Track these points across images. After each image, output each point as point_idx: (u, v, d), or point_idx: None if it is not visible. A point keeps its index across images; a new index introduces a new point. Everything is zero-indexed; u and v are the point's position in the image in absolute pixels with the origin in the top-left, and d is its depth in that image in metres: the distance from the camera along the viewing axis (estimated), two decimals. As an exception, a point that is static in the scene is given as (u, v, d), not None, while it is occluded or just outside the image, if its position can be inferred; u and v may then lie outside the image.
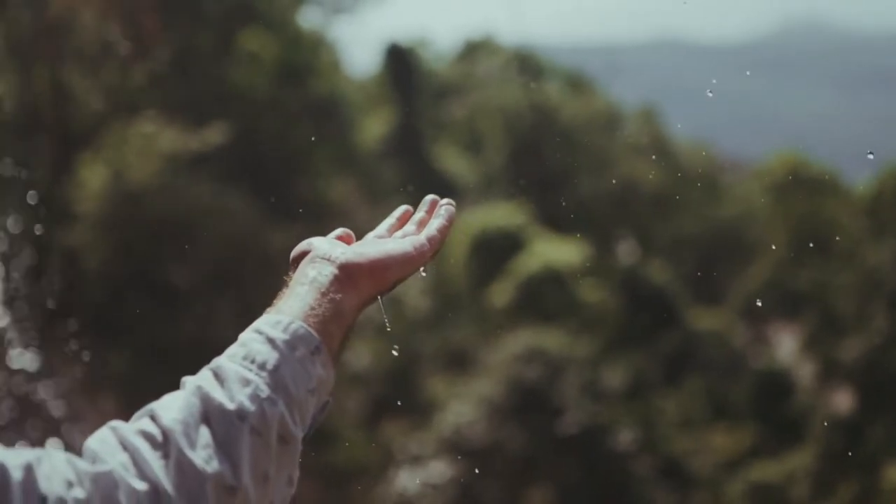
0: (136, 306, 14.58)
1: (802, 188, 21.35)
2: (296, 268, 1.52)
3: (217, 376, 1.32)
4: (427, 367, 16.95)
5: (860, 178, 21.62)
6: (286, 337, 1.37)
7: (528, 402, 15.55)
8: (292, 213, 16.15)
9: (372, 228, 1.70)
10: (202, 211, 15.27)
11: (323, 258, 1.49)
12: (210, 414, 1.28)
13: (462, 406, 15.69)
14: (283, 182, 16.87)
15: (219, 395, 1.30)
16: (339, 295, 1.44)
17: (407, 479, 14.97)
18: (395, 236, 1.63)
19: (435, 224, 1.63)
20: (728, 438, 17.46)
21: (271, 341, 1.36)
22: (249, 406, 1.30)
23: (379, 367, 15.54)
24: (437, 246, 1.60)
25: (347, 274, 1.47)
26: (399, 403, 14.64)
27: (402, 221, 1.69)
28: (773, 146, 24.63)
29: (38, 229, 11.61)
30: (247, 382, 1.31)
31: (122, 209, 14.96)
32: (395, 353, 15.38)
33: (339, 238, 1.59)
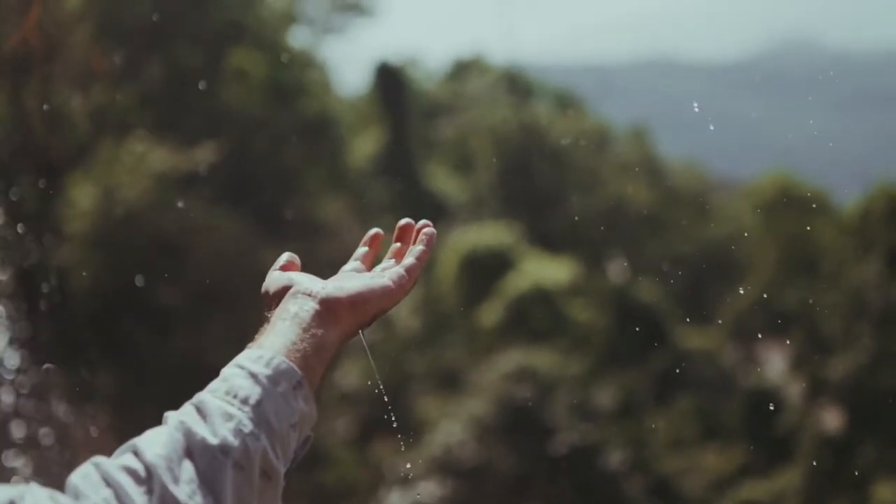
0: (127, 326, 14.55)
1: (792, 208, 21.40)
2: (274, 303, 1.52)
3: (200, 411, 1.33)
4: (417, 387, 16.93)
5: (850, 198, 21.67)
6: (268, 372, 1.37)
7: (519, 422, 15.53)
8: (283, 232, 16.15)
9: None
10: (192, 230, 15.25)
11: (304, 293, 1.49)
12: (193, 449, 1.29)
13: (452, 426, 15.67)
14: (273, 201, 16.87)
15: (202, 429, 1.30)
16: (321, 330, 1.45)
17: (397, 500, 14.94)
18: (374, 271, 1.63)
19: (414, 252, 1.63)
20: (718, 458, 17.46)
21: (254, 376, 1.37)
22: (232, 441, 1.30)
23: (368, 387, 15.52)
24: (417, 274, 1.60)
25: (328, 308, 1.47)
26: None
27: (375, 246, 1.70)
28: (763, 166, 24.71)
29: (27, 248, 11.59)
30: (230, 417, 1.32)
31: (112, 228, 14.95)
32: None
33: (285, 266, 1.60)
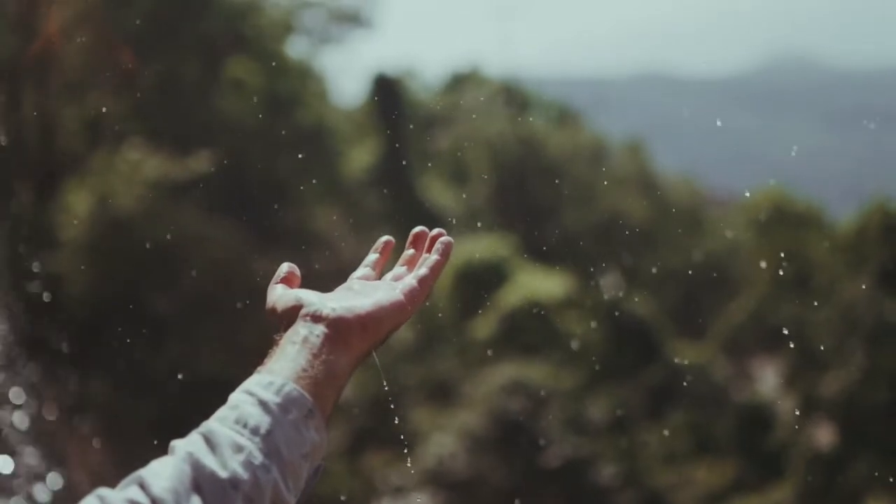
0: (120, 333, 14.50)
1: (786, 223, 21.39)
2: (283, 323, 1.47)
3: (208, 441, 1.28)
4: (410, 399, 16.89)
5: (845, 214, 21.66)
6: (279, 400, 1.33)
7: (511, 435, 15.49)
8: (277, 242, 16.11)
9: (357, 258, 1.65)
10: (187, 238, 15.22)
11: (314, 316, 1.44)
12: (202, 482, 1.24)
13: (445, 438, 15.64)
14: (268, 211, 16.85)
15: (210, 462, 1.26)
16: (332, 356, 1.40)
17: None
18: (385, 278, 1.58)
19: (429, 262, 1.58)
20: (711, 472, 17.43)
21: (263, 404, 1.32)
22: (243, 474, 1.26)
23: (361, 398, 15.48)
24: (430, 286, 1.55)
25: (338, 332, 1.42)
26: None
27: (385, 253, 1.66)
28: (758, 181, 24.76)
29: (21, 255, 11.57)
30: (239, 449, 1.27)
31: (106, 236, 14.91)
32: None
33: (286, 278, 1.55)
